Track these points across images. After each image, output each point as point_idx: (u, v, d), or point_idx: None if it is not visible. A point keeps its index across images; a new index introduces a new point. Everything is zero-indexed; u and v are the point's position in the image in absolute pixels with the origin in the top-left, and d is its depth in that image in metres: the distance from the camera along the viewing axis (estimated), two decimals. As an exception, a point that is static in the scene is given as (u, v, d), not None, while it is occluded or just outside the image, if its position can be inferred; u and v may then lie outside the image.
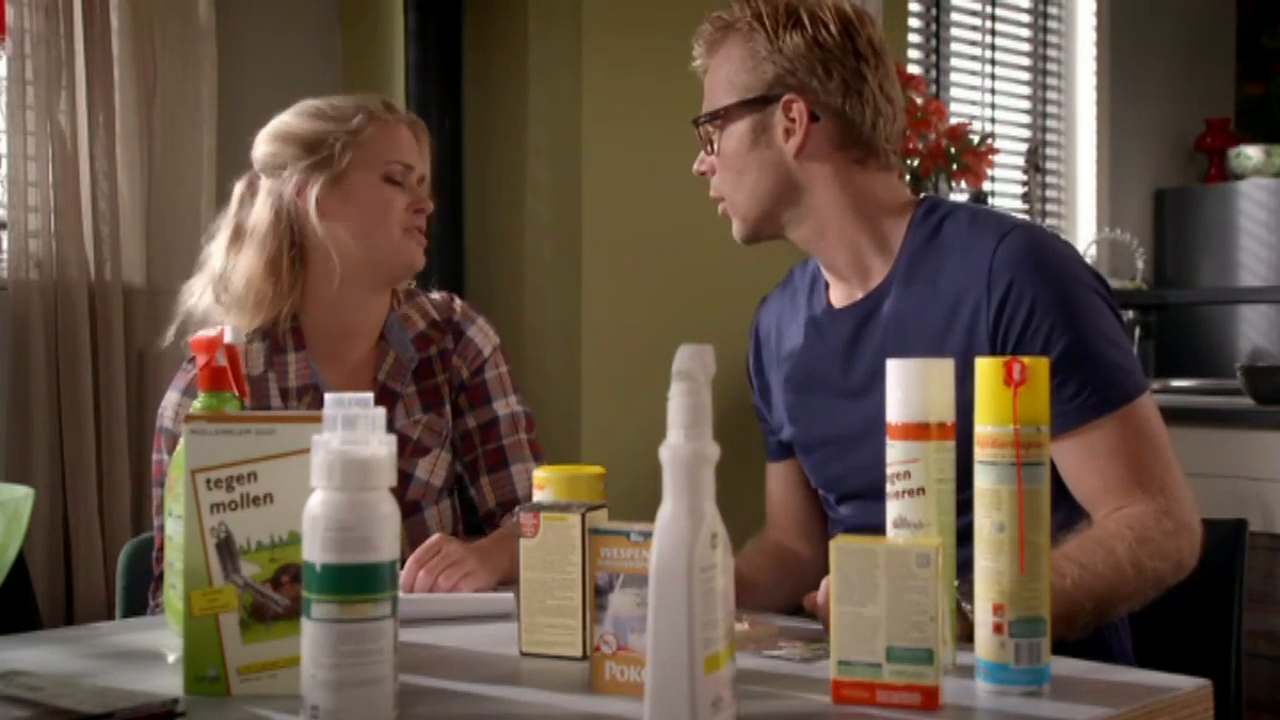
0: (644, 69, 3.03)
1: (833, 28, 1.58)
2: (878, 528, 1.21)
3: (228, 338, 1.36)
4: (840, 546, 1.10)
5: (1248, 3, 5.00)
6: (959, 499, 1.18)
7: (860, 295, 1.64)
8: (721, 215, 1.67)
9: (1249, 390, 3.43)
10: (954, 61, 4.21)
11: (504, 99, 3.08)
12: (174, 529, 1.30)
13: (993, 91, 4.33)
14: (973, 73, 4.28)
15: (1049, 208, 4.53)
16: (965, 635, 1.18)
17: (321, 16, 3.13)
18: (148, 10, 2.70)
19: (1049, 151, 4.53)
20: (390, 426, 1.14)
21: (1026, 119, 4.46)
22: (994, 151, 3.74)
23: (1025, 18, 4.44)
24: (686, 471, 0.96)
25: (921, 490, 1.16)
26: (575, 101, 2.99)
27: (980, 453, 1.13)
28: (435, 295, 1.95)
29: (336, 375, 1.85)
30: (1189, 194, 4.71)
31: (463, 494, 1.91)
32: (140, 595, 1.81)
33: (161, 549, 1.78)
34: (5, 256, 2.61)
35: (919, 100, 3.59)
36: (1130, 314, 4.37)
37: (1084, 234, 4.55)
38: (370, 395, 1.05)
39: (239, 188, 1.87)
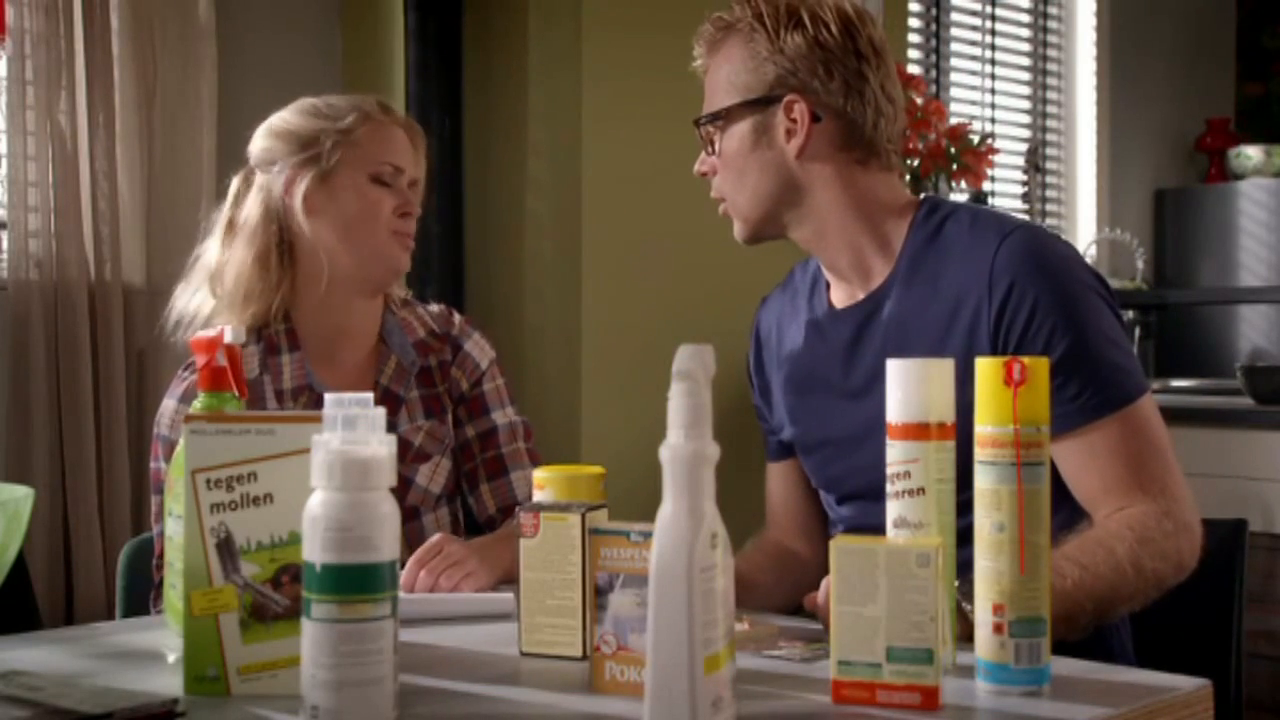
0: (644, 69, 3.03)
1: (834, 28, 1.57)
2: (879, 528, 1.21)
3: (228, 338, 1.36)
4: (840, 546, 1.10)
5: (1248, 3, 5.00)
6: (959, 500, 1.18)
7: (861, 296, 1.64)
8: (722, 216, 1.67)
9: (1249, 390, 3.43)
10: (954, 61, 4.21)
11: (504, 99, 3.08)
12: (174, 529, 1.29)
13: (993, 91, 4.33)
14: (973, 73, 4.28)
15: (1049, 208, 4.53)
16: (965, 635, 1.18)
17: (321, 16, 3.13)
18: (148, 10, 2.70)
19: (1049, 151, 4.53)
20: (392, 430, 1.14)
21: (1026, 119, 4.46)
22: (994, 151, 3.74)
23: (1025, 18, 4.44)
24: (686, 471, 0.96)
25: (921, 490, 1.16)
26: (575, 101, 2.99)
27: (980, 453, 1.13)
28: (433, 307, 1.95)
29: (335, 378, 1.84)
30: (1189, 194, 4.71)
31: (462, 501, 1.91)
32: (141, 595, 1.81)
33: (161, 556, 1.78)
34: (5, 256, 2.61)
35: (919, 100, 3.59)
36: (1130, 314, 4.37)
37: (1084, 234, 4.55)
38: (370, 395, 1.06)
39: (235, 182, 1.88)
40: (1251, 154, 4.61)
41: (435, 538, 1.62)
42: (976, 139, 3.71)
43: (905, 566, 1.07)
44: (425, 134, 1.92)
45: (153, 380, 2.63)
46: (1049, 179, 4.54)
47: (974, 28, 4.27)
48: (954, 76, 4.21)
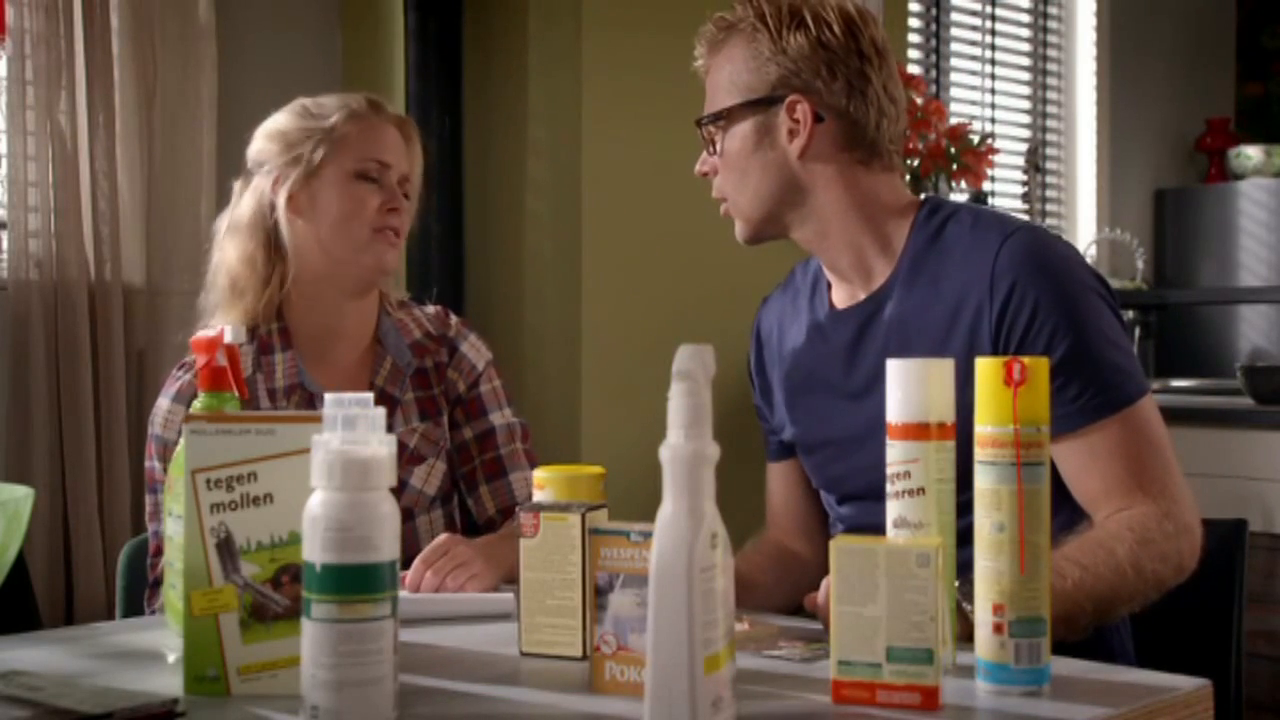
0: (644, 69, 3.03)
1: (836, 28, 1.57)
2: (879, 528, 1.21)
3: (227, 337, 1.36)
4: (840, 546, 1.10)
5: (1248, 3, 5.00)
6: (959, 500, 1.18)
7: (863, 296, 1.64)
8: (724, 216, 1.67)
9: (1249, 390, 3.43)
10: (954, 61, 4.21)
11: (504, 99, 3.08)
12: (174, 529, 1.29)
13: (993, 91, 4.33)
14: (973, 73, 4.28)
15: (1049, 208, 4.53)
16: (965, 635, 1.18)
17: (321, 16, 3.13)
18: (148, 10, 2.70)
19: (1049, 151, 4.53)
20: (388, 432, 1.14)
21: (1026, 119, 4.46)
22: (994, 151, 3.74)
23: (1025, 18, 4.44)
24: (686, 471, 0.96)
25: (921, 490, 1.16)
26: (575, 101, 2.99)
27: (980, 453, 1.13)
28: (429, 308, 1.95)
29: (328, 377, 1.84)
30: (1189, 194, 4.71)
31: (460, 503, 1.91)
32: (140, 595, 1.81)
33: (156, 555, 1.78)
34: (5, 256, 2.61)
35: (919, 100, 3.59)
36: (1130, 314, 4.37)
37: (1084, 234, 4.55)
38: (370, 395, 1.06)
39: (237, 185, 1.89)
40: (1251, 154, 4.61)
41: (441, 538, 1.62)
42: (976, 139, 3.71)
43: (905, 566, 1.07)
44: (425, 134, 1.92)
45: (152, 380, 2.63)
46: (1049, 179, 4.53)
47: (974, 28, 4.27)
48: (954, 76, 4.21)
